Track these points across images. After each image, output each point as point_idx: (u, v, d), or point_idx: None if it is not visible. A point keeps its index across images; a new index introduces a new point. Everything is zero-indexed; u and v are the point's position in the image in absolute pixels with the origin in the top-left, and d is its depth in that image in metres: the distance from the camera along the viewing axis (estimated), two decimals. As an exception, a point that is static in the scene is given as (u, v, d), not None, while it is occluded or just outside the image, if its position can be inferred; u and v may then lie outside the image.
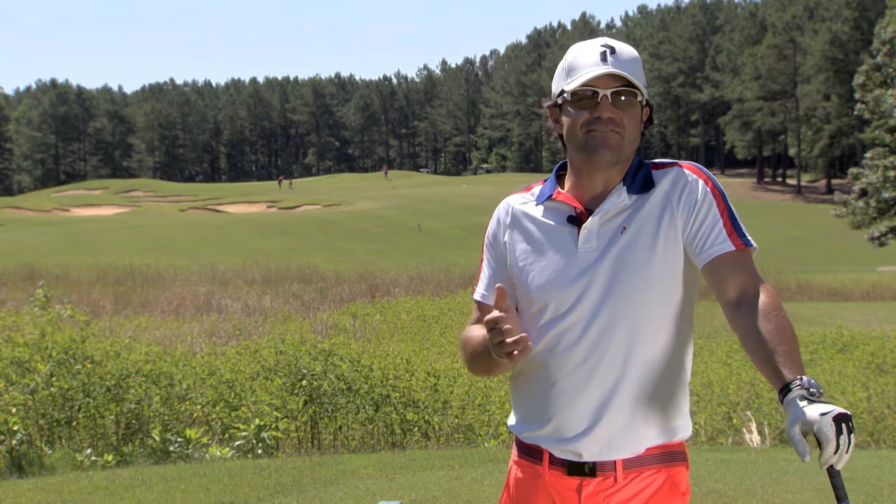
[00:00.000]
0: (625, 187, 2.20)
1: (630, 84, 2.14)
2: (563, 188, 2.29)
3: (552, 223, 2.25)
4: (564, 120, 2.21)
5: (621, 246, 2.16)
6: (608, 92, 2.12)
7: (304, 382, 9.06)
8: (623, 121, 2.14)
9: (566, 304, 2.17)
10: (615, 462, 2.18)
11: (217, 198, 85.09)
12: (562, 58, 2.27)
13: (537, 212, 2.28)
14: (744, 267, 2.11)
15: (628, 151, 2.19)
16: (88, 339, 8.70)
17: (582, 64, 2.16)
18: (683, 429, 2.26)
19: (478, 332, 2.26)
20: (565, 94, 2.17)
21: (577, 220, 2.21)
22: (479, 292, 2.36)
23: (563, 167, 2.33)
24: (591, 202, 2.22)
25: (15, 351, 8.11)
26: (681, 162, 2.24)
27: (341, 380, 9.26)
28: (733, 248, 2.12)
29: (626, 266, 2.15)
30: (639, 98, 2.15)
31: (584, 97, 2.14)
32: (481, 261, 2.37)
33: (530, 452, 2.28)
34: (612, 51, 2.15)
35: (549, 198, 2.26)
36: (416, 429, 9.01)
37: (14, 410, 7.57)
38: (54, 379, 7.93)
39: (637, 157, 2.25)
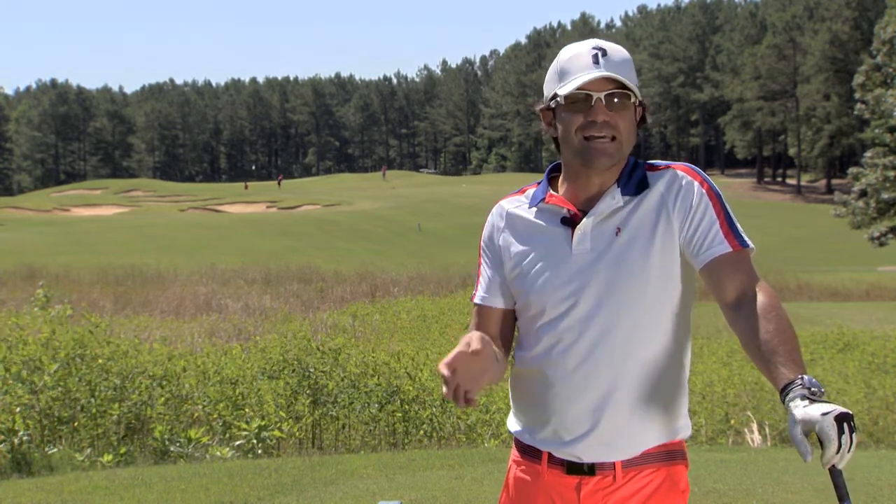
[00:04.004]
0: (619, 188, 2.19)
1: (623, 86, 2.13)
2: (555, 190, 2.29)
3: (546, 225, 2.24)
4: (559, 124, 2.20)
5: (617, 248, 2.16)
6: (602, 95, 2.12)
7: (309, 381, 9.07)
8: (618, 123, 2.14)
9: (562, 306, 2.16)
10: (614, 462, 2.19)
11: (217, 198, 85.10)
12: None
13: (530, 214, 2.28)
14: (742, 268, 2.11)
15: (625, 154, 2.19)
16: (97, 339, 8.71)
17: (574, 67, 2.16)
18: (683, 429, 2.26)
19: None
20: (559, 99, 2.17)
21: (570, 222, 2.21)
22: (479, 295, 2.34)
23: (555, 168, 2.33)
24: (586, 203, 2.22)
25: (24, 350, 8.10)
26: (676, 164, 2.24)
27: (345, 379, 9.28)
28: (730, 250, 2.11)
29: (621, 268, 2.15)
30: (632, 99, 2.15)
31: (578, 100, 2.14)
32: (479, 265, 2.37)
33: (530, 452, 2.28)
34: (604, 53, 2.15)
35: (542, 201, 2.26)
36: (420, 428, 9.02)
37: (18, 410, 7.57)
38: (60, 379, 7.92)
39: (632, 157, 2.24)
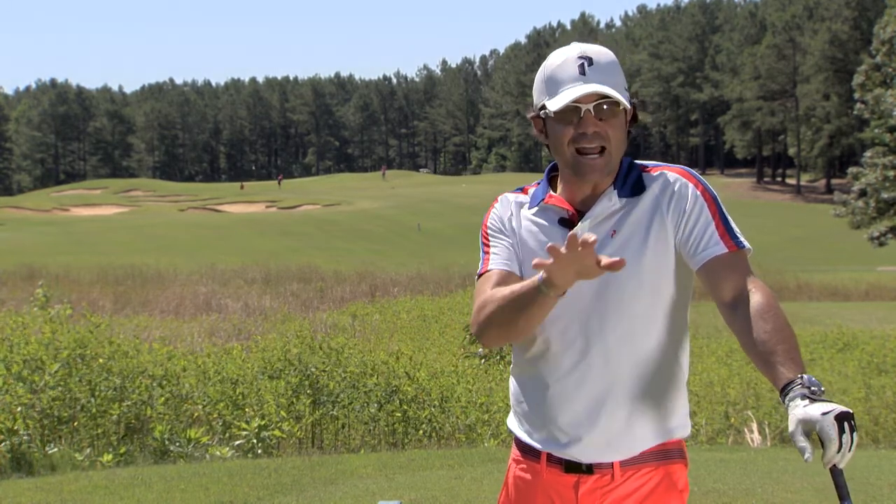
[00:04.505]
0: (615, 191, 2.20)
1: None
2: (555, 190, 2.29)
3: (546, 225, 2.25)
4: (550, 134, 2.20)
5: (611, 250, 2.16)
6: (590, 106, 2.12)
7: (310, 381, 9.08)
8: (608, 132, 2.14)
9: (557, 308, 2.16)
10: (612, 462, 2.20)
11: (217, 198, 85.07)
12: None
13: (531, 213, 2.29)
14: (738, 268, 2.11)
15: (616, 162, 2.19)
16: (99, 338, 8.73)
17: (561, 78, 2.16)
18: (681, 428, 2.27)
19: (511, 287, 2.12)
20: (548, 111, 2.17)
21: (568, 223, 2.22)
22: (498, 262, 2.25)
23: (555, 168, 2.34)
24: (584, 204, 2.23)
25: (25, 350, 8.10)
26: (672, 166, 2.25)
27: (346, 379, 9.28)
28: (727, 250, 2.12)
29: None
30: (621, 106, 2.15)
31: (567, 111, 2.14)
32: (486, 245, 2.31)
33: (529, 451, 2.29)
34: (590, 62, 2.14)
35: (542, 201, 2.27)
36: (419, 428, 9.02)
37: (18, 409, 7.56)
38: (61, 379, 7.91)
39: (628, 158, 2.25)
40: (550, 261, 1.90)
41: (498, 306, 2.12)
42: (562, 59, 2.18)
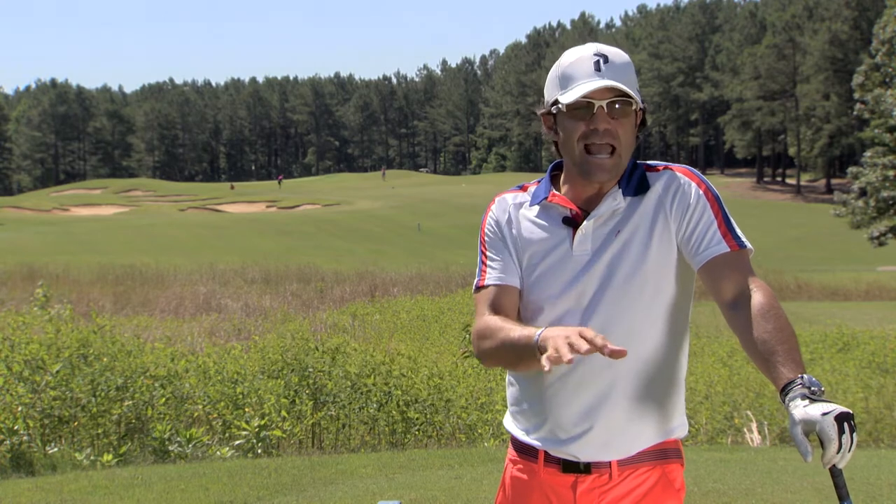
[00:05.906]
0: (620, 190, 2.20)
1: (625, 93, 2.13)
2: (557, 189, 2.29)
3: (548, 224, 2.25)
4: (561, 130, 2.20)
5: (615, 249, 2.17)
6: (604, 103, 2.12)
7: (309, 381, 9.08)
8: (618, 131, 2.14)
9: (560, 306, 2.17)
10: (610, 461, 2.20)
11: (216, 197, 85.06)
12: (556, 60, 2.26)
13: (532, 213, 2.28)
14: (739, 267, 2.11)
15: (625, 163, 2.19)
16: (102, 338, 8.73)
17: (576, 74, 2.15)
18: (679, 428, 2.27)
19: (516, 328, 2.12)
20: (560, 106, 2.17)
21: (572, 222, 2.22)
22: (494, 276, 2.26)
23: (557, 167, 2.34)
24: (587, 203, 2.23)
25: (27, 349, 8.10)
26: (675, 165, 2.25)
27: (346, 378, 9.28)
28: (728, 250, 2.12)
29: (618, 269, 2.16)
30: (633, 106, 2.16)
31: (580, 108, 2.14)
32: (483, 254, 2.31)
33: (526, 451, 2.29)
34: (606, 59, 2.15)
35: (545, 199, 2.26)
36: (418, 428, 9.01)
37: (19, 409, 7.56)
38: (63, 379, 7.91)
39: (631, 158, 2.25)
40: (554, 353, 1.88)
41: (496, 348, 2.16)
42: (577, 56, 2.18)
